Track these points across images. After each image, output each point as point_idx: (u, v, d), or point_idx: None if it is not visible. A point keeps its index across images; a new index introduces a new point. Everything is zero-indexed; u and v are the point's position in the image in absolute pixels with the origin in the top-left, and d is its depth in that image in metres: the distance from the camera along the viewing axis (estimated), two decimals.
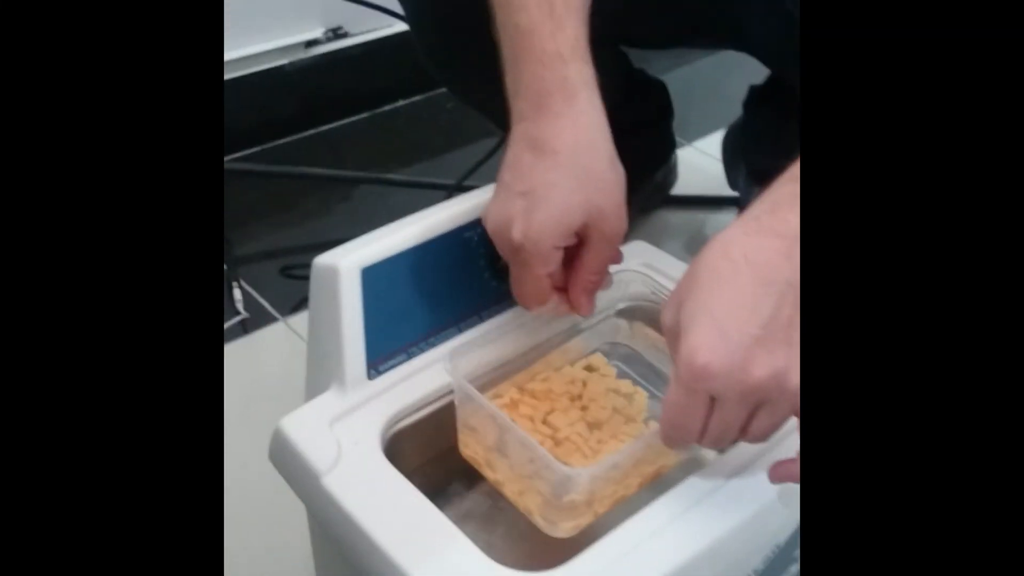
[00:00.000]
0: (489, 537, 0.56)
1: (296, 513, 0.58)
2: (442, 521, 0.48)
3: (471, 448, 0.55)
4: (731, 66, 1.07)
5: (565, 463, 0.53)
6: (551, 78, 0.53)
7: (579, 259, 0.55)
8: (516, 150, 0.54)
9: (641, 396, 0.59)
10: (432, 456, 0.57)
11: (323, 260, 0.55)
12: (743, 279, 0.44)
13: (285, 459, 0.53)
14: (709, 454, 0.55)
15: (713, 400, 0.45)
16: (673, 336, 0.46)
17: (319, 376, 0.57)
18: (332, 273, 0.54)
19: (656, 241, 0.69)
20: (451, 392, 0.56)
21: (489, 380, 0.57)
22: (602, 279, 0.57)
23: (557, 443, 0.55)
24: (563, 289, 0.57)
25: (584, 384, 0.59)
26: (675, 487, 0.50)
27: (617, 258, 0.58)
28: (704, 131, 1.31)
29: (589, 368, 0.61)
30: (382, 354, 0.56)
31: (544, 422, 0.56)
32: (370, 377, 0.56)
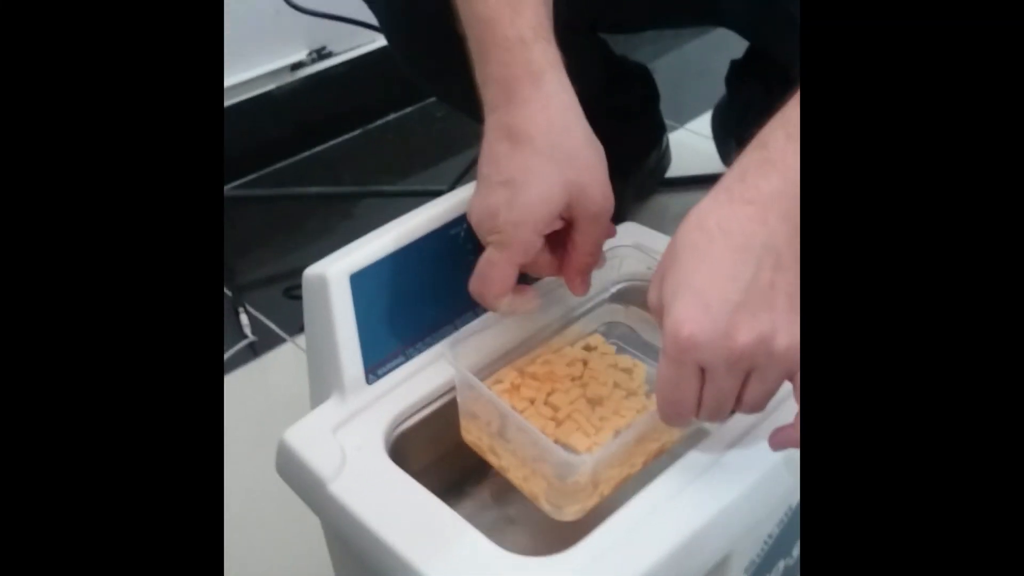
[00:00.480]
0: (500, 528, 0.56)
1: (316, 527, 0.58)
2: (450, 516, 0.48)
3: (473, 435, 0.55)
4: (717, 47, 1.07)
5: (567, 443, 0.53)
6: (516, 63, 0.53)
7: (571, 241, 0.55)
8: (491, 140, 0.54)
9: (641, 369, 0.59)
10: (439, 454, 0.57)
11: (312, 271, 0.56)
12: (719, 248, 0.44)
13: (291, 470, 0.53)
14: (711, 427, 0.55)
15: (703, 371, 0.45)
16: (659, 313, 0.46)
17: (320, 386, 0.58)
18: (321, 282, 0.55)
19: (656, 224, 0.68)
20: (452, 390, 0.56)
21: (489, 366, 0.58)
22: (596, 259, 0.56)
23: (559, 423, 0.55)
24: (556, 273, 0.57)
25: (584, 363, 0.59)
26: (677, 462, 0.50)
27: (610, 232, 0.57)
28: (695, 112, 1.31)
29: (588, 348, 0.61)
30: (379, 358, 0.57)
31: (545, 403, 0.56)
32: (369, 382, 0.56)
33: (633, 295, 0.64)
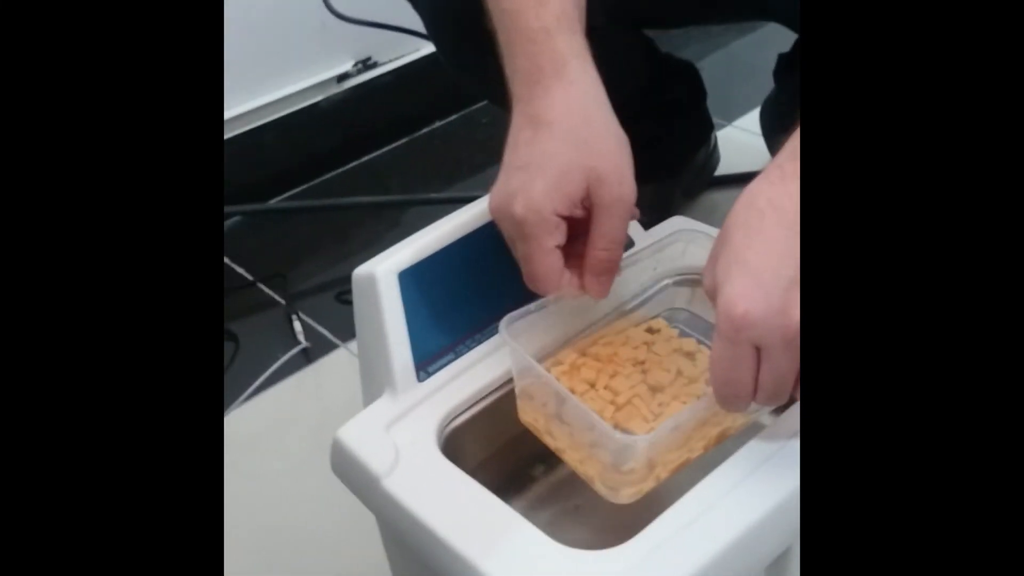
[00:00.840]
0: (556, 521, 0.56)
1: (374, 531, 0.58)
2: (505, 510, 0.48)
3: (530, 415, 0.54)
4: (764, 44, 1.06)
5: (626, 428, 0.52)
6: (540, 53, 0.53)
7: (589, 234, 0.53)
8: (514, 130, 0.54)
9: (704, 354, 0.57)
10: (492, 450, 0.57)
11: (361, 270, 0.56)
12: (770, 225, 0.44)
13: (345, 468, 0.53)
14: (768, 419, 0.54)
15: (759, 351, 0.44)
16: (713, 296, 0.46)
17: (372, 385, 0.58)
18: (370, 281, 0.55)
19: (706, 221, 0.67)
20: (504, 385, 0.56)
21: (549, 346, 0.57)
22: (615, 257, 0.53)
23: (618, 408, 0.54)
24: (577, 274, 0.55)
25: (648, 346, 0.58)
26: (735, 453, 0.49)
27: (630, 219, 0.54)
28: (744, 110, 1.30)
29: (650, 330, 0.60)
30: (430, 355, 0.57)
31: (606, 387, 0.55)
32: (420, 379, 0.56)
33: (697, 281, 0.63)
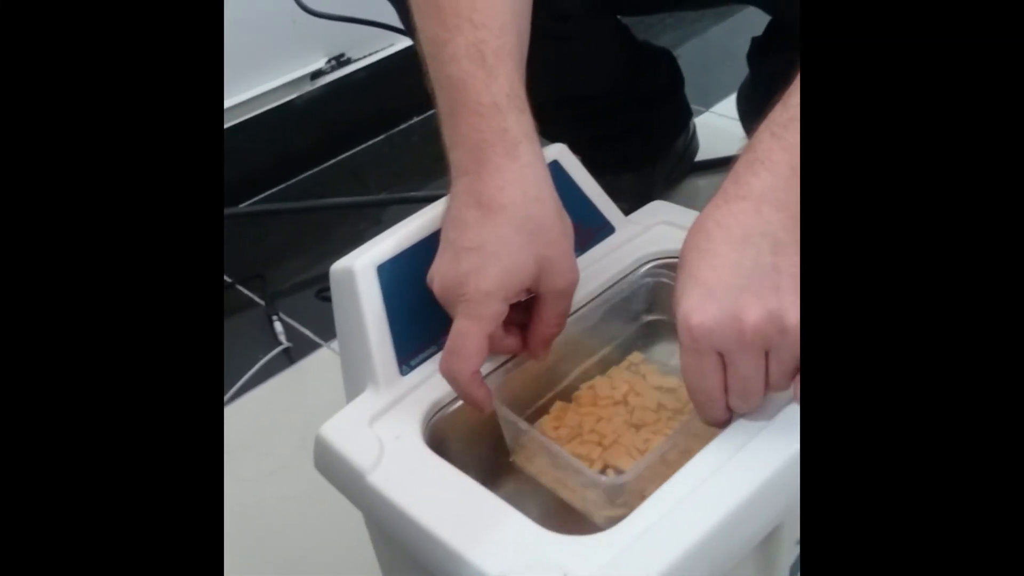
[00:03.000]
0: (544, 508, 0.55)
1: (361, 527, 0.58)
2: (492, 499, 0.48)
3: (521, 459, 0.56)
4: (740, 30, 1.06)
5: (615, 464, 0.55)
6: (489, 130, 0.52)
7: (536, 314, 0.55)
8: (460, 206, 0.53)
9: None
10: (479, 440, 0.56)
11: (339, 265, 0.56)
12: (718, 243, 0.47)
13: (329, 464, 0.53)
14: None
15: (723, 357, 0.46)
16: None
17: (354, 381, 0.57)
18: (348, 275, 0.54)
19: (689, 206, 0.68)
20: (488, 375, 0.55)
21: (532, 393, 0.59)
22: (560, 328, 0.56)
23: (605, 448, 0.55)
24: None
25: (629, 385, 0.59)
26: (720, 434, 0.49)
27: (568, 309, 0.56)
28: (722, 95, 1.29)
29: (629, 367, 0.61)
30: (412, 348, 0.56)
31: (591, 431, 0.56)
32: (403, 373, 0.55)
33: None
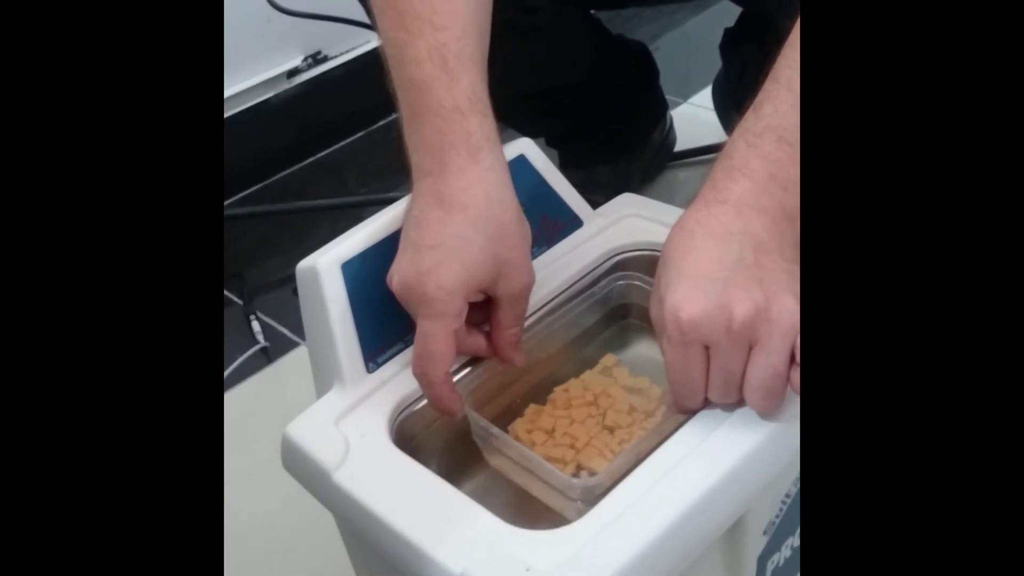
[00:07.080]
0: (510, 503, 0.55)
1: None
2: (457, 496, 0.48)
3: (495, 462, 0.55)
4: (716, 21, 1.06)
5: (589, 466, 0.55)
6: (452, 133, 0.52)
7: (494, 317, 0.55)
8: (422, 206, 0.53)
9: (656, 390, 0.59)
10: (445, 438, 0.56)
11: (304, 264, 0.56)
12: (700, 240, 0.47)
13: (296, 463, 0.53)
14: None
15: (708, 350, 0.46)
16: (659, 321, 0.48)
17: (322, 379, 0.57)
18: (313, 274, 0.55)
19: (667, 199, 0.69)
20: (456, 372, 0.55)
21: (504, 394, 0.59)
22: (521, 330, 0.56)
23: (579, 450, 0.55)
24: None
25: (601, 389, 0.60)
26: (683, 426, 0.49)
27: (525, 311, 0.56)
28: (699, 86, 1.29)
29: (603, 371, 0.61)
30: (378, 346, 0.56)
31: (564, 434, 0.57)
32: (369, 370, 0.55)
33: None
